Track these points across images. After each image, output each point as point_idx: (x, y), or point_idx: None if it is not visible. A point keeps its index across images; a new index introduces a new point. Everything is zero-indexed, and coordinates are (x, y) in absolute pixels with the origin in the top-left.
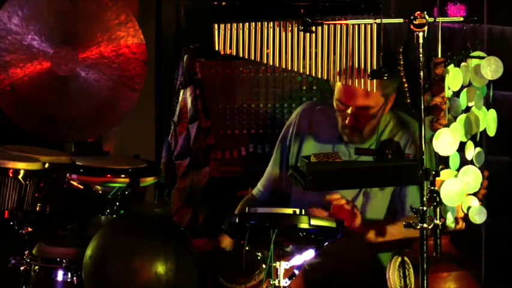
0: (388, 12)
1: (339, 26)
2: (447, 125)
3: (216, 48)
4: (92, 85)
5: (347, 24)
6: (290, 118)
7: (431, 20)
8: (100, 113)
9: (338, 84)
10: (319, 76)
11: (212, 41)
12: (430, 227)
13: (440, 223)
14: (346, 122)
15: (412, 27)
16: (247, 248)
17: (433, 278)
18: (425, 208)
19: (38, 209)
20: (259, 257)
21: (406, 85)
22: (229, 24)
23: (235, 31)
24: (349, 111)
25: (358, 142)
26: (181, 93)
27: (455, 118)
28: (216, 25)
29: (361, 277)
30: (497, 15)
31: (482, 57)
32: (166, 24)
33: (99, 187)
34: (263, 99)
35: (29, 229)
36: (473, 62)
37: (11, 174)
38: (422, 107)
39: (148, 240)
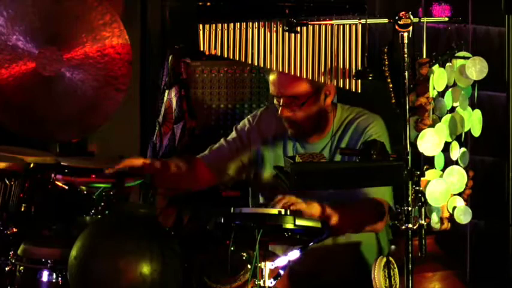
0: (373, 12)
1: (323, 26)
2: (432, 125)
3: (201, 49)
4: (77, 85)
5: (332, 25)
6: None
7: (416, 20)
8: (85, 113)
9: (270, 80)
10: (304, 76)
11: (197, 41)
12: (415, 227)
13: (425, 223)
14: (279, 113)
15: (396, 27)
16: (232, 248)
17: (418, 278)
18: (410, 208)
19: (22, 209)
20: (244, 257)
21: (390, 85)
22: (214, 25)
23: (220, 31)
24: (281, 102)
25: (304, 136)
26: (166, 94)
27: (440, 118)
28: (200, 25)
29: (346, 277)
30: (482, 16)
31: (467, 58)
32: (151, 25)
33: (83, 187)
34: (248, 99)
35: (14, 229)
36: (458, 62)
37: None
38: (407, 107)
39: (133, 241)
